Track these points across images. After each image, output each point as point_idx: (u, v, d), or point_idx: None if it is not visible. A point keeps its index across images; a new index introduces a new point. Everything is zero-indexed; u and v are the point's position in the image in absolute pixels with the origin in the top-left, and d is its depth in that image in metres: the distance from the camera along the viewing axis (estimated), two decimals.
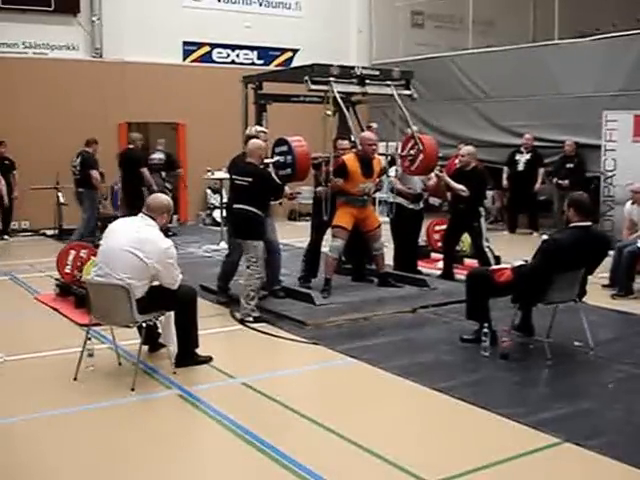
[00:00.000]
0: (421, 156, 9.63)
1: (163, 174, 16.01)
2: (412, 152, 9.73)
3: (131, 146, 14.49)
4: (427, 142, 9.68)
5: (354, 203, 9.03)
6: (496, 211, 16.86)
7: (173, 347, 6.57)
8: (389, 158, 9.85)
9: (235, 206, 8.33)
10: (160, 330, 6.68)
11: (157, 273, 6.21)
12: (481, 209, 10.05)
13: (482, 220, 10.03)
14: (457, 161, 10.50)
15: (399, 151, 9.88)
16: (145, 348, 6.74)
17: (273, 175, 8.54)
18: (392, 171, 10.11)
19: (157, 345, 6.84)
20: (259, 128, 9.26)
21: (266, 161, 8.54)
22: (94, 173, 13.78)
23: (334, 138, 9.48)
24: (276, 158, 8.70)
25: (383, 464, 4.70)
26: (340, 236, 8.97)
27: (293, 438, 5.23)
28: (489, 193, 14.43)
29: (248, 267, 8.22)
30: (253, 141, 8.45)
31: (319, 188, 9.19)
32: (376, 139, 9.14)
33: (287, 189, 8.62)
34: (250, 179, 8.17)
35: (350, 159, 8.96)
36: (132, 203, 12.87)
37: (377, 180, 9.29)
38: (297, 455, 4.79)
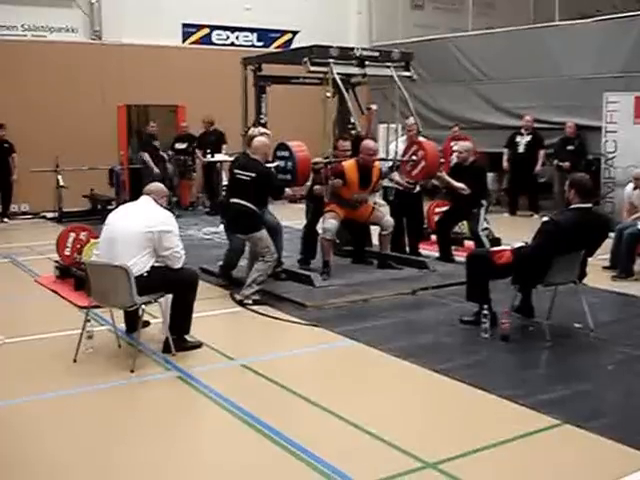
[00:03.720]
0: (423, 163, 9.64)
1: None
2: (414, 157, 9.73)
3: (217, 127, 15.86)
4: (429, 149, 9.67)
5: (345, 206, 9.11)
6: (496, 193, 16.82)
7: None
8: (390, 163, 9.80)
9: (232, 200, 8.32)
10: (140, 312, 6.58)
11: (160, 244, 6.20)
12: (483, 201, 10.04)
13: (482, 210, 10.02)
14: (452, 143, 10.47)
15: (399, 155, 9.81)
16: (145, 330, 6.80)
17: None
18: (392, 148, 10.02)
19: (135, 326, 6.66)
20: (262, 130, 9.26)
21: (267, 165, 8.54)
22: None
23: (335, 138, 9.46)
24: (277, 163, 8.69)
25: (383, 445, 4.71)
26: (332, 217, 8.97)
27: (292, 420, 5.24)
28: (489, 175, 14.36)
29: (263, 257, 8.21)
30: (259, 139, 8.49)
31: (317, 186, 9.15)
32: (376, 148, 9.17)
33: (289, 190, 8.61)
34: (253, 174, 8.17)
35: (350, 168, 8.99)
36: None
37: (376, 184, 9.37)
38: (296, 437, 4.79)
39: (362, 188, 9.11)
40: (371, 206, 9.46)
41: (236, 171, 8.41)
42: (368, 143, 9.10)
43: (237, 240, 8.79)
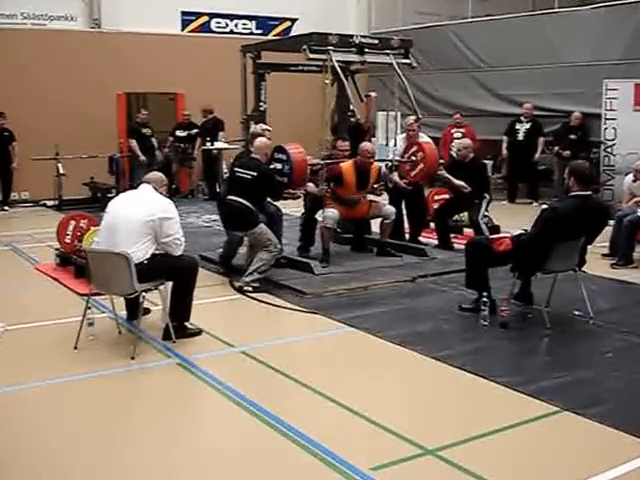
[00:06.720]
0: (421, 165, 9.69)
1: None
2: (413, 158, 9.73)
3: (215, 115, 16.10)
4: (428, 151, 9.66)
5: (343, 204, 9.16)
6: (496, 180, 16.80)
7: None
8: (388, 164, 9.81)
9: (229, 197, 8.31)
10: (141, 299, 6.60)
11: (161, 231, 6.21)
12: (485, 194, 10.02)
13: (484, 202, 10.00)
14: (453, 130, 10.46)
15: (397, 154, 9.82)
16: (146, 317, 6.84)
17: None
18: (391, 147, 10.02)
19: (136, 313, 6.70)
20: (264, 126, 9.27)
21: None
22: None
23: (334, 138, 9.45)
24: (274, 165, 8.67)
25: (382, 432, 4.72)
26: (333, 207, 9.00)
27: (292, 406, 5.26)
28: (489, 162, 14.35)
29: (267, 247, 8.19)
30: (261, 139, 8.51)
31: (310, 184, 9.12)
32: (374, 151, 9.17)
33: (291, 190, 8.61)
34: (254, 174, 8.16)
35: (348, 170, 9.02)
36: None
37: (375, 185, 9.35)
38: (296, 423, 4.81)
39: (359, 189, 9.14)
40: (368, 201, 9.46)
41: (236, 169, 8.39)
42: (366, 145, 9.12)
43: (235, 234, 8.79)
